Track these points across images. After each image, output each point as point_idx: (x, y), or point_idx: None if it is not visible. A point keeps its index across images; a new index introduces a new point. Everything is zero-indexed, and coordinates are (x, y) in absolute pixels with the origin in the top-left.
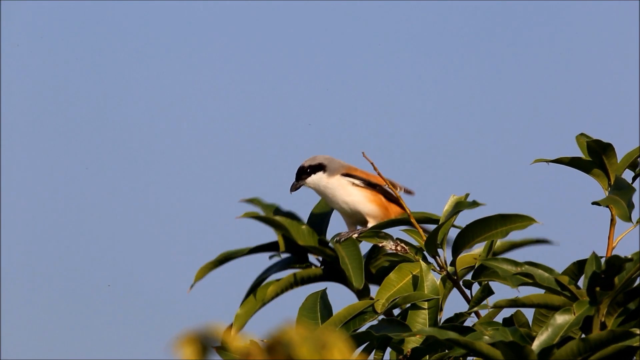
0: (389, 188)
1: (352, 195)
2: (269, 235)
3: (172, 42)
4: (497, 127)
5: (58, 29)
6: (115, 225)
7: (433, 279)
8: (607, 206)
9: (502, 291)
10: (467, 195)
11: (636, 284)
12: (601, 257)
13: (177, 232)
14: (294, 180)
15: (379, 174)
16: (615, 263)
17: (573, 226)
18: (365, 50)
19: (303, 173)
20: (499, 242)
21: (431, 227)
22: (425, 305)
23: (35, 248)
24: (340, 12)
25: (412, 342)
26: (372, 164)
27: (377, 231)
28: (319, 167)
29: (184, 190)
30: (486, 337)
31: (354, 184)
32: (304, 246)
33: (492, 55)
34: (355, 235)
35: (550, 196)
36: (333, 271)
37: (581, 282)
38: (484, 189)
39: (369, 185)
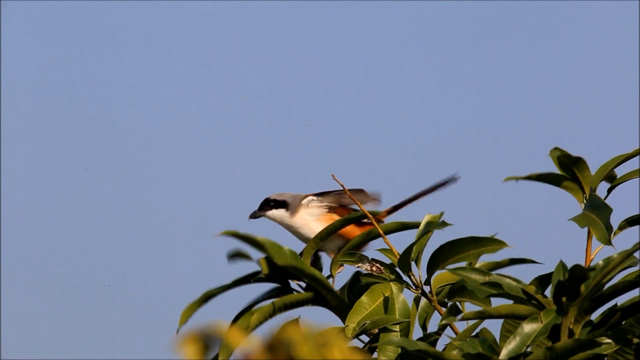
0: (367, 215)
1: (316, 231)
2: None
3: (172, 42)
4: (500, 125)
5: (58, 29)
6: (115, 225)
7: (404, 300)
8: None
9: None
10: (441, 213)
11: (604, 290)
12: None
13: (177, 231)
14: (257, 208)
15: (349, 195)
16: (579, 273)
17: (550, 239)
18: (365, 50)
19: (266, 205)
20: (483, 262)
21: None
22: (397, 328)
23: (35, 248)
24: (340, 12)
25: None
26: (342, 186)
27: (353, 252)
28: (283, 204)
29: (184, 190)
30: (454, 352)
31: (315, 219)
32: (284, 266)
33: (491, 57)
34: (332, 257)
35: (528, 210)
36: (316, 295)
37: (548, 292)
38: (474, 200)
39: (330, 210)
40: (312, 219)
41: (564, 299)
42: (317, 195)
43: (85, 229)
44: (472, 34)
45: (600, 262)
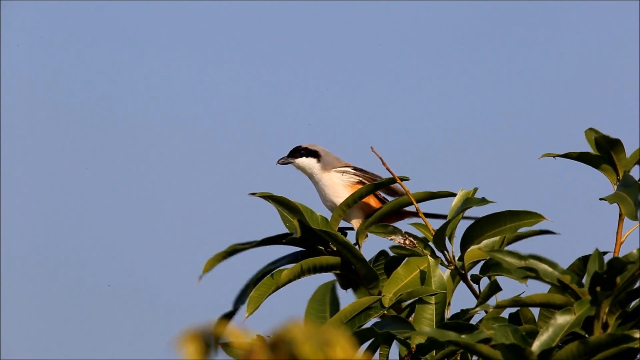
0: (397, 181)
1: (340, 197)
2: (272, 230)
3: (172, 42)
4: (503, 123)
5: (58, 29)
6: (115, 224)
7: (440, 273)
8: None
9: (509, 287)
10: (475, 189)
11: (638, 284)
12: (608, 252)
13: (177, 231)
14: (286, 155)
15: (387, 167)
16: (617, 265)
17: (582, 221)
18: (365, 50)
19: (296, 152)
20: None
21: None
22: (433, 300)
23: (35, 248)
24: (341, 12)
25: (419, 338)
26: (380, 158)
27: (386, 225)
28: (314, 154)
29: (184, 190)
30: (487, 333)
31: (344, 184)
32: (316, 230)
33: (497, 53)
34: (358, 228)
35: (559, 191)
36: (343, 262)
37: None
38: (492, 183)
39: (360, 183)
40: (341, 183)
41: (598, 288)
42: (354, 168)
43: (86, 228)
44: (472, 34)
45: (636, 251)
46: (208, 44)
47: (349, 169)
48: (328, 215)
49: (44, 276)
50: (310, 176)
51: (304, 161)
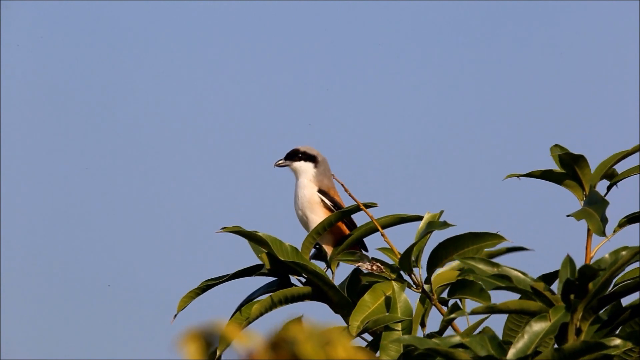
0: (363, 209)
1: (317, 215)
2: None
3: (172, 42)
4: (499, 126)
5: (58, 29)
6: (115, 225)
7: (406, 298)
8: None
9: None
10: (441, 212)
11: (610, 289)
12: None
13: (177, 231)
14: (283, 157)
15: (350, 195)
16: (587, 273)
17: (551, 237)
18: (365, 50)
19: (295, 155)
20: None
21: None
22: (399, 327)
23: (35, 248)
24: (341, 12)
25: None
26: (342, 185)
27: (353, 252)
28: (312, 159)
29: (184, 189)
30: (462, 340)
31: (322, 203)
32: (285, 262)
33: (490, 56)
34: (330, 254)
35: (529, 208)
36: (316, 290)
37: (555, 287)
38: (471, 198)
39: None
40: (321, 203)
41: (572, 296)
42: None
43: (85, 229)
44: (472, 34)
45: (607, 256)
46: (208, 44)
47: (329, 203)
48: (299, 231)
49: (44, 276)
50: (302, 180)
51: (301, 165)
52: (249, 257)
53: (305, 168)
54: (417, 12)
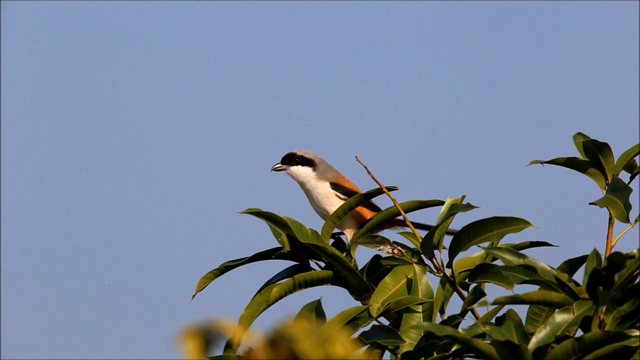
0: (385, 191)
1: (335, 206)
2: (270, 240)
3: (172, 42)
4: (497, 127)
5: (58, 29)
6: (115, 224)
7: (427, 281)
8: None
9: (495, 294)
10: (463, 197)
11: (636, 282)
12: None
13: (178, 231)
14: (279, 162)
15: (373, 178)
16: (617, 260)
17: (572, 226)
18: (365, 50)
19: (291, 160)
20: (503, 244)
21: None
22: (420, 308)
23: (35, 248)
24: (340, 12)
25: (406, 347)
26: (365, 167)
27: (375, 235)
28: (309, 163)
29: (183, 190)
30: (482, 329)
31: (338, 196)
32: (305, 244)
33: (490, 56)
34: (350, 238)
35: (549, 196)
36: (335, 275)
37: (579, 278)
38: (483, 189)
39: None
40: (336, 194)
41: (600, 288)
42: (345, 192)
43: (85, 228)
44: (472, 34)
45: (635, 251)
46: (208, 44)
47: (342, 195)
48: (319, 223)
49: (44, 276)
50: (302, 184)
51: (299, 170)
52: (264, 246)
53: (303, 173)
54: (417, 12)
